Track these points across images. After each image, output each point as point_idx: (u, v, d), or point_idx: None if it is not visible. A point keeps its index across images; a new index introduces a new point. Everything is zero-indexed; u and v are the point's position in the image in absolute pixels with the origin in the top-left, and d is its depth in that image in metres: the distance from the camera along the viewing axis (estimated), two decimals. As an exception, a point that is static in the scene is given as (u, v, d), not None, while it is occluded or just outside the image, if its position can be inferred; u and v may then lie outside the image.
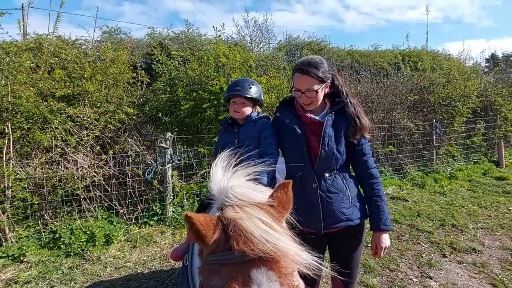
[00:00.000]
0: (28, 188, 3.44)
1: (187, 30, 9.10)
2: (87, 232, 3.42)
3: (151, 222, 3.94)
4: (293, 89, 1.56)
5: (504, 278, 2.77)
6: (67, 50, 4.32)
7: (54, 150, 3.63)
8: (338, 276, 1.69)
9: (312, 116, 1.58)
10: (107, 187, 3.92)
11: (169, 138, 3.98)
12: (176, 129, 4.79)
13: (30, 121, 3.55)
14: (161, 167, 3.98)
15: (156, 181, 4.03)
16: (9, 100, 3.36)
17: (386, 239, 1.59)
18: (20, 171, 3.43)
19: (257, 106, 1.89)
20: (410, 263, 3.08)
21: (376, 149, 6.01)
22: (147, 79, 5.16)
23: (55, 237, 3.38)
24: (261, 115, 1.84)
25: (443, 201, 4.78)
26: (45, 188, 3.52)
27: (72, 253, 3.23)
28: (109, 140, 4.09)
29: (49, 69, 4.14)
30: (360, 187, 1.67)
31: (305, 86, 1.50)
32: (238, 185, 0.99)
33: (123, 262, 3.18)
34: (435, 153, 6.53)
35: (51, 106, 3.63)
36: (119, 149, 4.07)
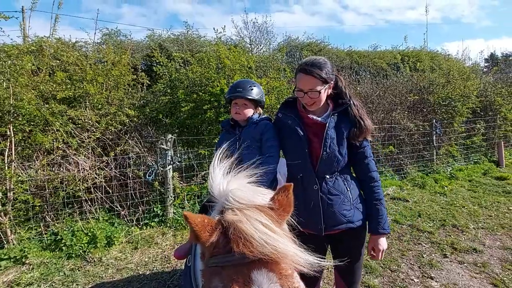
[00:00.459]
0: (29, 190, 3.45)
1: (186, 31, 9.13)
2: (89, 233, 3.43)
3: (152, 224, 3.95)
4: (295, 89, 1.55)
5: (505, 278, 2.77)
6: (68, 52, 4.34)
7: (56, 152, 3.65)
8: (341, 277, 1.70)
9: (314, 117, 1.57)
10: (108, 188, 3.93)
11: (169, 140, 3.99)
12: (176, 130, 4.80)
13: (32, 123, 3.56)
14: (162, 169, 3.99)
15: (157, 182, 4.04)
16: (11, 102, 3.37)
17: (383, 242, 1.59)
18: (21, 173, 3.45)
19: (259, 108, 1.89)
20: (411, 264, 3.09)
21: (377, 150, 6.02)
22: (148, 81, 5.18)
23: (57, 239, 3.39)
24: (263, 117, 1.84)
25: (443, 201, 4.79)
26: (47, 190, 3.53)
27: (73, 255, 3.24)
28: (110, 142, 4.10)
29: (50, 72, 4.16)
30: (360, 189, 1.68)
31: (308, 87, 1.49)
32: (238, 189, 0.99)
33: (125, 263, 3.19)
34: (435, 153, 6.54)
35: (53, 108, 3.64)
36: (120, 151, 4.09)
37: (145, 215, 4.02)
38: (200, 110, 4.47)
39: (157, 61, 5.25)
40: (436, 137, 6.50)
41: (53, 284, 2.84)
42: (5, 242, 3.29)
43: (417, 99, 6.77)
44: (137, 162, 4.22)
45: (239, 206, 0.92)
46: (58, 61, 4.28)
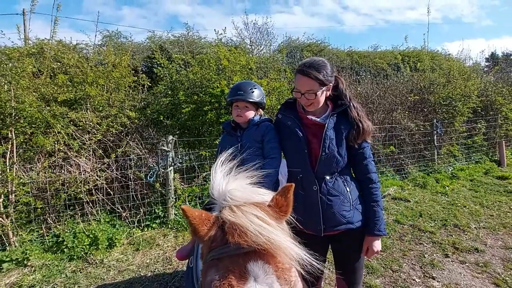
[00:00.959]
0: (31, 192, 3.46)
1: (187, 33, 9.17)
2: (90, 235, 3.43)
3: (154, 225, 3.95)
4: (293, 90, 1.56)
5: (507, 278, 2.77)
6: (69, 55, 4.36)
7: (57, 154, 3.66)
8: (342, 277, 1.70)
9: (314, 118, 1.57)
10: (109, 190, 3.93)
11: (170, 141, 4.00)
12: (177, 132, 4.81)
13: (33, 125, 3.58)
14: (163, 170, 4.00)
15: (158, 184, 4.04)
16: (12, 105, 3.39)
17: (377, 244, 1.60)
18: (23, 175, 3.46)
19: (260, 109, 1.90)
20: (412, 264, 3.08)
21: (377, 150, 6.01)
22: (148, 83, 5.19)
23: (59, 240, 3.40)
24: (263, 118, 1.84)
25: (445, 201, 4.78)
26: (48, 192, 3.55)
27: (75, 257, 3.25)
28: (111, 144, 4.11)
29: (51, 74, 4.18)
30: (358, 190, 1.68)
31: (305, 88, 1.49)
32: (237, 189, 1.00)
33: (126, 265, 3.20)
34: (436, 153, 6.53)
35: (54, 110, 3.66)
36: (121, 153, 4.10)
37: (146, 216, 4.02)
38: (201, 112, 4.48)
39: (158, 62, 5.27)
40: (437, 136, 6.49)
41: (55, 286, 2.85)
42: (7, 244, 3.30)
43: (417, 99, 6.76)
44: (138, 163, 4.23)
45: (237, 203, 0.93)
46: (59, 64, 4.30)
